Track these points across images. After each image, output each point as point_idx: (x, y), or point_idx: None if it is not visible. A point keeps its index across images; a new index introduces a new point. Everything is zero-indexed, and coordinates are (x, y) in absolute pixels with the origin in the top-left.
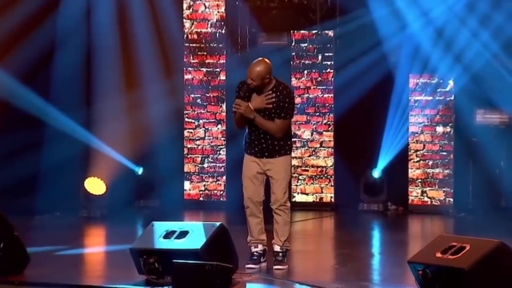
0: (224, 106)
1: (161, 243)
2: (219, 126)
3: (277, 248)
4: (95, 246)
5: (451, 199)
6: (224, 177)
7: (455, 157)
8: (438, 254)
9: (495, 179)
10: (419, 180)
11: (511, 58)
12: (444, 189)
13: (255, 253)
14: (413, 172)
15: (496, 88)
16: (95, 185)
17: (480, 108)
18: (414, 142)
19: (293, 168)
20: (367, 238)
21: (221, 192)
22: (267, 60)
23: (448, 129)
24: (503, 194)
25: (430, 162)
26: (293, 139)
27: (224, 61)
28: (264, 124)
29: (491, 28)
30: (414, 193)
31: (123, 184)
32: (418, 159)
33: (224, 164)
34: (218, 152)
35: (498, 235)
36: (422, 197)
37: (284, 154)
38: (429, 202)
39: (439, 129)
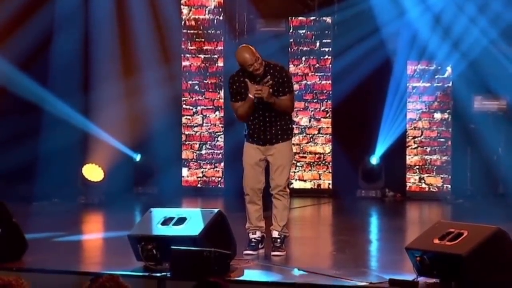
0: (222, 92)
1: (159, 230)
2: (217, 112)
3: (275, 234)
4: (93, 233)
5: (449, 186)
6: (222, 164)
7: (453, 144)
8: (436, 241)
9: (492, 166)
10: (417, 167)
11: (509, 44)
12: (442, 176)
13: (253, 239)
14: (411, 158)
15: (494, 75)
16: (93, 172)
17: (478, 95)
18: (412, 129)
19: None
20: (365, 225)
21: (219, 179)
22: (246, 45)
23: (446, 115)
24: (501, 180)
25: (428, 149)
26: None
27: (222, 48)
28: (280, 104)
29: (489, 15)
30: (412, 180)
31: (121, 171)
32: (416, 145)
33: (222, 151)
34: (216, 139)
35: (496, 221)
36: (420, 184)
37: (286, 139)
38: (426, 189)
39: (437, 115)
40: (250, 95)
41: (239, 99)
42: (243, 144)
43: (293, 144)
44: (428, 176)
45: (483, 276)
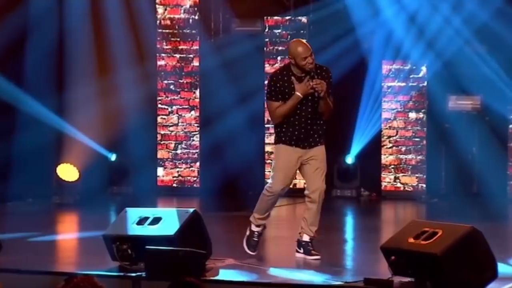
0: (197, 92)
1: (134, 230)
2: (193, 112)
3: (306, 238)
4: (68, 233)
5: (424, 185)
6: (198, 163)
7: (427, 143)
8: (411, 240)
9: (467, 165)
10: (392, 166)
11: (483, 44)
12: (417, 175)
13: (256, 232)
14: (386, 158)
15: (468, 74)
16: (67, 172)
17: (452, 94)
18: (387, 128)
19: (267, 154)
20: (340, 224)
21: (195, 179)
22: (300, 39)
23: (421, 115)
24: (475, 179)
25: (403, 148)
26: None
27: (198, 47)
28: (329, 104)
29: (464, 14)
30: (387, 179)
31: (96, 171)
32: (391, 145)
33: (197, 150)
34: (191, 138)
35: (470, 220)
36: (395, 183)
37: (323, 142)
38: (402, 188)
39: (412, 115)
40: (297, 93)
41: (280, 99)
42: (278, 147)
43: (269, 143)
44: (403, 175)
45: (458, 275)
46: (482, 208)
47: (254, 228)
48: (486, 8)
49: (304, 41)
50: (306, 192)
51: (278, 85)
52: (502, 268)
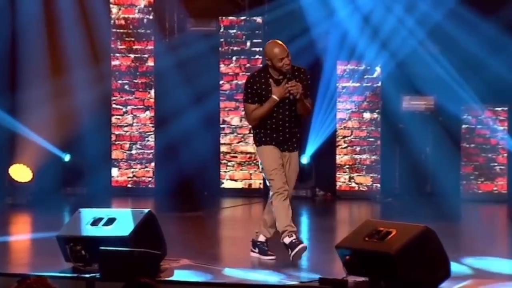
0: (152, 92)
1: (88, 230)
2: (147, 112)
3: (262, 238)
4: (21, 234)
5: (378, 185)
6: (153, 164)
7: (382, 143)
8: (365, 239)
9: (421, 165)
10: (347, 166)
11: (436, 44)
12: (371, 175)
13: (294, 240)
14: (341, 158)
15: (422, 75)
16: (20, 172)
17: (406, 95)
18: (342, 128)
19: (222, 155)
20: (295, 224)
21: (150, 179)
22: (276, 40)
23: (375, 115)
24: (429, 179)
25: (358, 148)
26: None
27: (152, 47)
28: (306, 105)
29: (417, 15)
30: (342, 179)
31: (49, 171)
32: (345, 145)
33: (152, 151)
34: (146, 139)
35: (424, 220)
36: (350, 183)
37: (298, 148)
38: (356, 188)
39: (367, 115)
40: (274, 96)
41: (257, 101)
42: (260, 149)
43: (224, 143)
44: (358, 175)
45: (412, 274)
46: (436, 207)
47: (287, 240)
48: (439, 9)
49: (280, 42)
50: (271, 193)
51: (255, 87)
52: (454, 267)
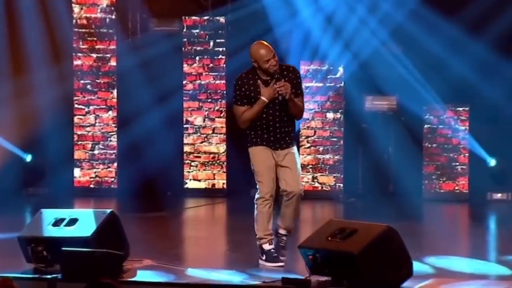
0: (115, 92)
1: (50, 231)
2: (110, 112)
3: (283, 231)
4: None
5: (341, 185)
6: (115, 164)
7: (345, 143)
8: (328, 239)
9: (383, 165)
10: (310, 166)
11: (398, 45)
12: (335, 175)
13: (272, 250)
14: (304, 158)
15: (384, 75)
16: None
17: (369, 95)
18: (305, 128)
19: (185, 155)
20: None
21: (112, 179)
22: (262, 41)
23: (338, 115)
24: (391, 179)
25: (321, 148)
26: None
27: (115, 47)
28: (297, 104)
29: (379, 16)
30: (305, 179)
31: (11, 172)
32: (309, 145)
33: (115, 151)
34: (109, 139)
35: (386, 219)
36: (313, 183)
37: (294, 144)
38: (319, 188)
39: (330, 115)
40: (263, 98)
41: (246, 103)
42: (251, 150)
43: (187, 143)
44: (321, 175)
45: (374, 273)
46: (398, 207)
47: (267, 247)
48: (401, 9)
49: (265, 43)
50: (282, 193)
51: (243, 89)
52: (417, 266)
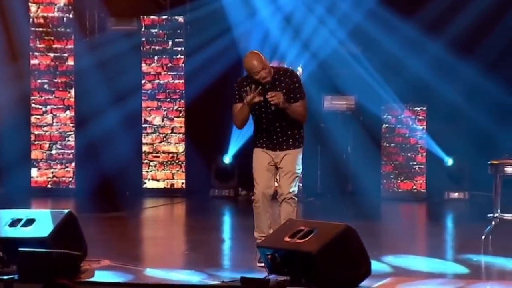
0: (72, 91)
1: (7, 231)
2: (68, 112)
3: None
4: None
5: (300, 184)
6: (73, 164)
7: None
8: (287, 238)
9: (342, 164)
10: None
11: (357, 45)
12: None
13: None
14: None
15: (343, 75)
16: None
17: (327, 95)
18: None
19: (144, 154)
20: (218, 224)
21: (70, 179)
22: (255, 51)
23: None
24: (350, 178)
25: None
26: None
27: (72, 46)
28: (295, 110)
29: (338, 16)
30: None
31: None
32: None
33: (73, 151)
34: (66, 139)
35: (345, 218)
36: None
37: (297, 146)
38: None
39: None
40: (244, 101)
41: (239, 101)
42: (254, 151)
43: (146, 143)
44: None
45: (333, 272)
46: (357, 206)
47: None
48: (359, 9)
49: (256, 53)
50: (277, 196)
51: (241, 89)
52: (375, 265)
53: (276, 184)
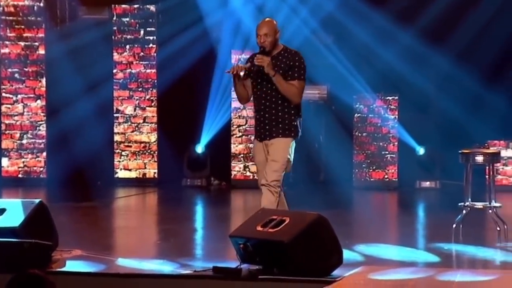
0: (43, 81)
1: None
2: (39, 101)
3: None
4: None
5: None
6: (44, 154)
7: None
8: (259, 228)
9: (314, 154)
10: (242, 155)
11: (329, 34)
12: None
13: None
14: (236, 147)
15: (315, 64)
16: None
17: None
18: (236, 118)
19: (116, 144)
20: (190, 213)
21: (41, 169)
22: (272, 20)
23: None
24: (322, 168)
25: (252, 137)
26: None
27: (43, 35)
28: (283, 84)
29: (310, 5)
30: (237, 168)
31: None
32: (240, 134)
33: (44, 140)
34: (37, 128)
35: (317, 208)
36: (245, 172)
37: (287, 135)
38: (251, 177)
39: None
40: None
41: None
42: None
43: (118, 133)
44: (252, 164)
45: (305, 262)
46: (329, 195)
47: None
48: None
49: (270, 21)
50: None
51: (248, 60)
52: (347, 254)
53: None
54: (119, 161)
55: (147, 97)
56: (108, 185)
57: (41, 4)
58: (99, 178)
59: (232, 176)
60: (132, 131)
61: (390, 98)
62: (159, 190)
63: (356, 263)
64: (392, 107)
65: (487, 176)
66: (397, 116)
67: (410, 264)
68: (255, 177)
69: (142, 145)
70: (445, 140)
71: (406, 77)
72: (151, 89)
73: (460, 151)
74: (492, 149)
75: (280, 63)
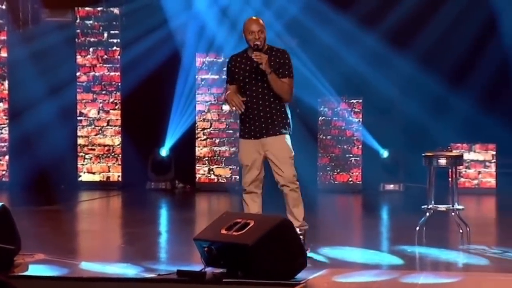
0: (6, 83)
1: None
2: (1, 104)
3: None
4: None
5: (237, 177)
6: (7, 157)
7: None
8: (223, 231)
9: None
10: (206, 158)
11: (293, 37)
12: (230, 167)
13: None
14: (201, 150)
15: None
16: None
17: None
18: (201, 121)
19: (79, 147)
20: (154, 217)
21: (4, 172)
22: (258, 18)
23: (234, 108)
24: None
25: (217, 140)
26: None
27: (5, 38)
28: (277, 81)
29: (274, 8)
30: (201, 171)
31: None
32: (205, 137)
33: (6, 144)
34: (0, 131)
35: (281, 211)
36: (209, 175)
37: (284, 133)
38: (215, 180)
39: (226, 107)
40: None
41: (230, 81)
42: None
43: (81, 136)
44: (217, 167)
45: (269, 264)
46: None
47: None
48: (295, 2)
49: (258, 19)
50: (279, 185)
51: (229, 65)
52: (311, 256)
53: (275, 173)
54: (83, 165)
55: (111, 100)
56: (72, 188)
57: (3, 7)
58: (62, 181)
59: (196, 179)
60: (96, 134)
61: (354, 101)
62: (123, 193)
63: (320, 266)
64: (356, 110)
65: (450, 179)
66: (361, 119)
67: (374, 266)
68: (220, 180)
69: (106, 148)
70: (408, 143)
71: (370, 80)
72: (115, 92)
73: (423, 154)
74: (455, 152)
75: (271, 61)
